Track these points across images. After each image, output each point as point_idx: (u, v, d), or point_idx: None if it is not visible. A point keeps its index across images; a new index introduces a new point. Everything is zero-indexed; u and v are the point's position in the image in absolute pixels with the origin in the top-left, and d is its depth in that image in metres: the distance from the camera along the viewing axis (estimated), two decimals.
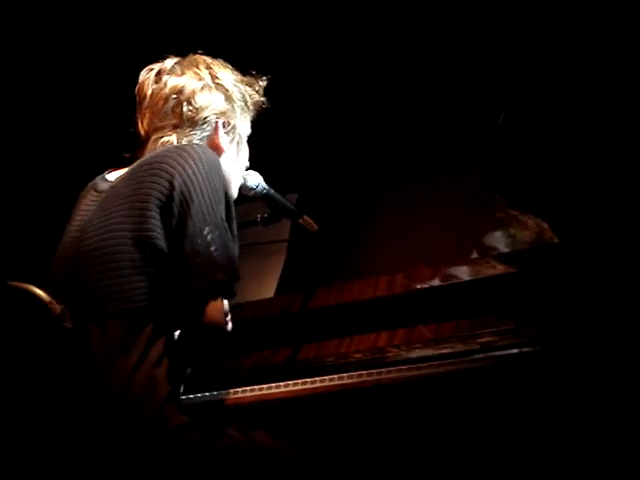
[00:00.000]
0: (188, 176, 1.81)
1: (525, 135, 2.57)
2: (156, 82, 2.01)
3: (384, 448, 2.26)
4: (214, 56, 2.09)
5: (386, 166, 2.97)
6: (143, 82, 2.04)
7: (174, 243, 1.80)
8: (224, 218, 1.84)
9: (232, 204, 1.93)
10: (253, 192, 2.22)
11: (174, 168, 1.83)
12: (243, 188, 2.19)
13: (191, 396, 2.26)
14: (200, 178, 1.82)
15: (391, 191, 2.62)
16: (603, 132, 2.46)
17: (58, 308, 1.75)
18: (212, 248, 1.79)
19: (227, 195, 1.89)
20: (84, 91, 3.27)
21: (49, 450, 1.77)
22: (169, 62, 2.04)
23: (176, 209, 1.80)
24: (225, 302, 1.92)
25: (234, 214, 1.92)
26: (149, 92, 2.01)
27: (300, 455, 1.90)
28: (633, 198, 2.24)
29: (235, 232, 1.90)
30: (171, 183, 1.81)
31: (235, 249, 1.87)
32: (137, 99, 2.05)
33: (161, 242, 1.80)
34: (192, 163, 1.83)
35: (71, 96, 3.29)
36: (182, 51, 2.09)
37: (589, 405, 2.01)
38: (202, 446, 1.78)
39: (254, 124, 2.16)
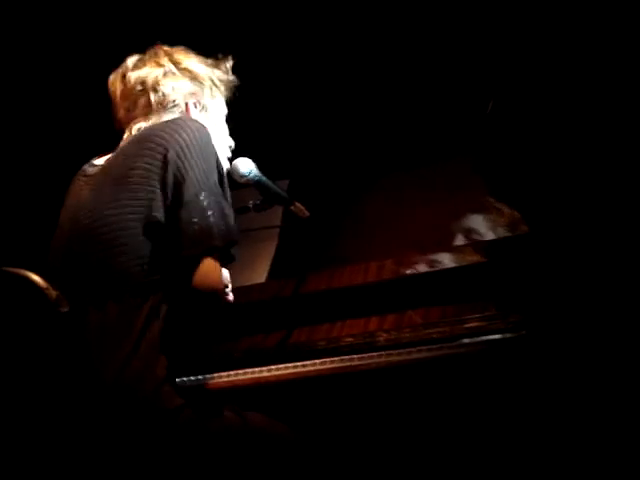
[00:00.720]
0: (181, 147, 1.87)
1: (512, 124, 2.61)
2: (122, 81, 2.11)
3: (374, 430, 2.30)
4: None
5: (375, 154, 2.98)
6: (112, 84, 2.14)
7: (171, 212, 1.84)
8: (218, 185, 1.90)
9: (224, 172, 1.98)
10: (245, 179, 2.24)
11: (167, 140, 1.89)
12: (235, 175, 2.22)
13: (185, 379, 2.28)
14: (192, 149, 1.88)
15: (381, 179, 2.65)
16: (588, 127, 2.46)
17: (54, 293, 1.77)
18: (208, 213, 1.85)
19: (219, 164, 1.95)
20: (73, 87, 3.31)
21: (47, 436, 1.79)
22: (130, 60, 2.14)
23: (171, 179, 1.85)
24: (226, 274, 1.98)
25: (227, 182, 1.97)
26: (118, 92, 2.11)
27: (293, 435, 1.94)
28: (613, 192, 2.28)
29: (229, 199, 1.95)
30: (165, 155, 1.87)
31: (231, 214, 1.92)
32: (111, 100, 2.14)
33: (158, 213, 1.85)
34: (184, 134, 1.90)
35: (62, 92, 3.33)
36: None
37: (574, 388, 2.06)
38: (197, 427, 1.82)
39: (246, 111, 2.23)
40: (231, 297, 2.05)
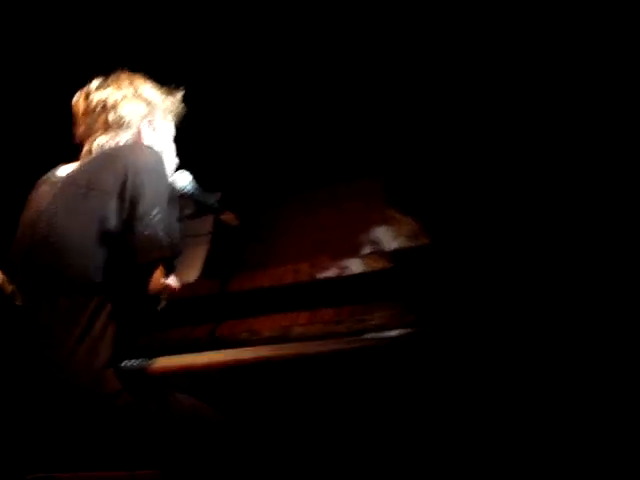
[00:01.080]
0: (138, 168, 2.10)
1: (417, 147, 2.88)
2: (86, 99, 2.33)
3: (290, 413, 2.51)
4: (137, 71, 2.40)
5: (298, 171, 3.18)
6: (76, 102, 2.36)
7: (126, 225, 2.05)
8: (168, 203, 2.11)
9: (175, 192, 2.22)
10: (183, 191, 2.45)
11: (127, 161, 2.11)
12: (176, 188, 2.41)
13: (124, 363, 2.30)
14: (148, 172, 2.11)
15: (302, 193, 2.86)
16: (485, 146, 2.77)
17: (9, 288, 1.99)
18: (159, 228, 2.05)
19: (169, 185, 2.18)
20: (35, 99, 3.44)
21: None
22: (95, 82, 2.35)
23: (128, 196, 2.06)
24: (174, 280, 2.19)
25: (176, 201, 2.20)
26: (81, 108, 2.33)
27: (219, 417, 2.15)
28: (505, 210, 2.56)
29: (177, 215, 2.17)
30: (125, 175, 2.08)
31: (177, 229, 2.13)
32: (73, 116, 2.35)
33: (112, 226, 2.05)
34: (142, 158, 2.13)
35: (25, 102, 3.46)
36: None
37: (462, 380, 2.31)
38: (134, 408, 2.02)
39: (187, 132, 2.43)
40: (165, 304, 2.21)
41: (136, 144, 2.24)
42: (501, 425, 2.35)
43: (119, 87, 2.32)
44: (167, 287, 2.17)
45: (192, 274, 2.70)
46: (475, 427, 2.37)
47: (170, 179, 2.37)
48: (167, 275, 2.14)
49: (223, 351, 2.40)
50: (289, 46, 3.26)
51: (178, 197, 2.41)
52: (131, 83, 2.34)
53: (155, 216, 2.06)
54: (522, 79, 2.84)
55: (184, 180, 2.46)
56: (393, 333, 2.27)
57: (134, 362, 2.41)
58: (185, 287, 2.54)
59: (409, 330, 2.25)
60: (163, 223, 2.07)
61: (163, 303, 2.15)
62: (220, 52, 3.35)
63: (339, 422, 2.50)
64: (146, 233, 2.04)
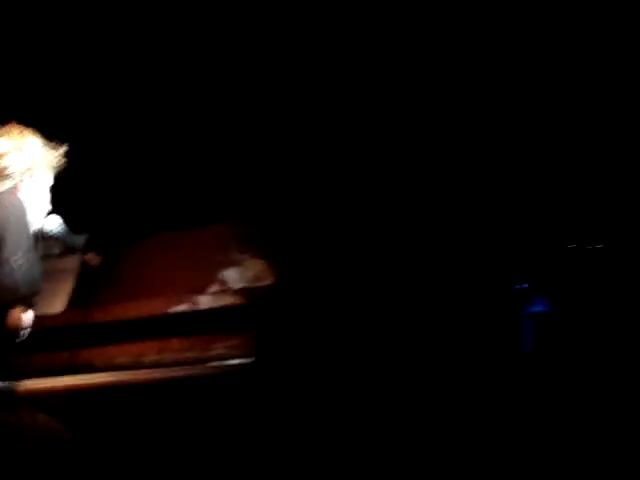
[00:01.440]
0: (2, 218, 2.29)
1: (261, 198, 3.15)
2: None
3: (138, 434, 2.66)
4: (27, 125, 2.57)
5: (158, 217, 3.34)
6: None
7: None
8: (30, 248, 2.30)
9: (37, 237, 2.38)
10: (52, 233, 2.63)
11: None
12: (45, 230, 2.59)
13: None
14: (12, 219, 2.31)
15: (159, 236, 3.10)
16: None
17: None
18: (19, 271, 2.24)
19: (32, 232, 2.36)
20: None
21: None
22: None
23: None
24: (30, 315, 2.36)
25: (40, 245, 2.38)
26: None
27: (70, 435, 2.33)
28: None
29: (38, 258, 2.34)
30: None
31: (38, 271, 2.32)
32: None
33: None
34: (7, 208, 2.32)
35: None
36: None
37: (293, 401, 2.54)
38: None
39: (60, 180, 2.58)
40: (24, 336, 2.35)
41: (5, 194, 2.40)
42: (330, 440, 2.57)
43: (10, 139, 2.47)
44: (26, 322, 2.34)
45: (56, 306, 2.92)
46: (302, 440, 2.58)
47: (40, 223, 2.54)
48: (27, 311, 2.32)
49: (80, 376, 2.62)
50: (141, 103, 3.49)
51: (47, 238, 2.60)
52: (21, 137, 2.49)
53: (16, 261, 2.24)
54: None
55: (54, 223, 2.66)
56: (234, 362, 2.55)
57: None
58: (48, 318, 2.80)
59: (248, 360, 2.53)
60: (24, 267, 2.26)
61: (23, 335, 2.33)
62: (90, 111, 3.61)
63: (185, 441, 2.67)
64: (6, 278, 2.24)
